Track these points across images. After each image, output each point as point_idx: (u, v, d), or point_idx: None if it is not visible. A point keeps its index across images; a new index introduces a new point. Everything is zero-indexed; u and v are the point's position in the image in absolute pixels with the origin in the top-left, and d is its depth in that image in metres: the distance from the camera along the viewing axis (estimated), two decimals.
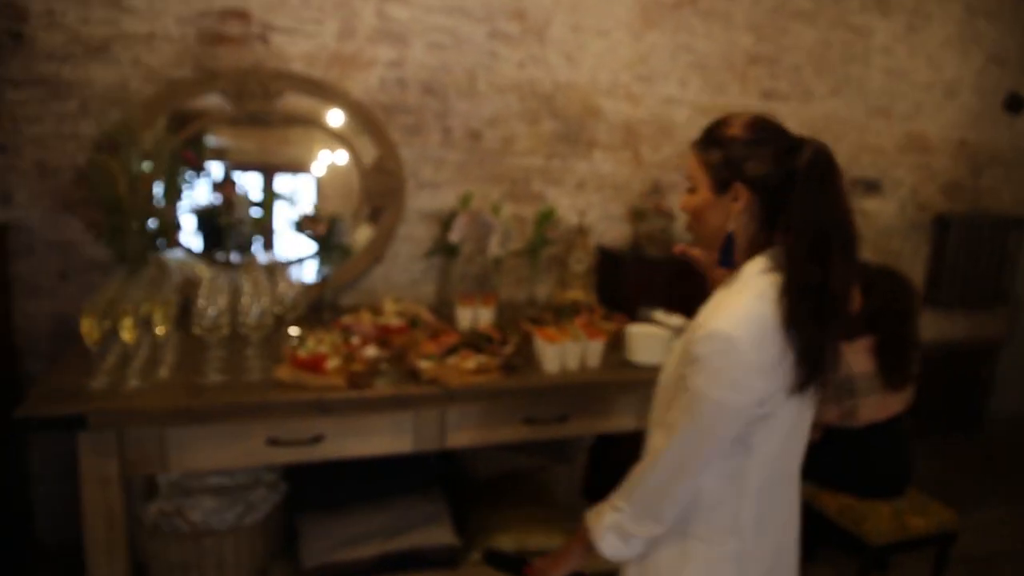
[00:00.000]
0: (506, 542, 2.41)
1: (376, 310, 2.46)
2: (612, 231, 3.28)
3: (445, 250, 2.81)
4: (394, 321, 2.36)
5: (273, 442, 1.89)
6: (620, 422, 2.36)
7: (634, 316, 2.71)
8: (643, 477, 1.31)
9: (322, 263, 2.53)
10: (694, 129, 3.47)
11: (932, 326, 4.28)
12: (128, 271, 2.15)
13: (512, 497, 2.60)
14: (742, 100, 3.44)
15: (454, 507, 2.50)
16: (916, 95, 3.93)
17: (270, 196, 2.46)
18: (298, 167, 2.71)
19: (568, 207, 3.16)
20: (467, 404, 2.06)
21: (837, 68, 3.65)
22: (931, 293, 4.25)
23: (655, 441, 1.31)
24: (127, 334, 1.79)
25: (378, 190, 2.73)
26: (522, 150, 3.03)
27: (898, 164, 4.00)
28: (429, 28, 2.78)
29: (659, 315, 2.70)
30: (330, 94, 2.61)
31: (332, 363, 1.93)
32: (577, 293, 2.99)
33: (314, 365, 1.91)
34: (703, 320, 1.25)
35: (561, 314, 2.60)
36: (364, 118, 2.66)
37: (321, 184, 2.74)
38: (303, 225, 2.46)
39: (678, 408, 1.25)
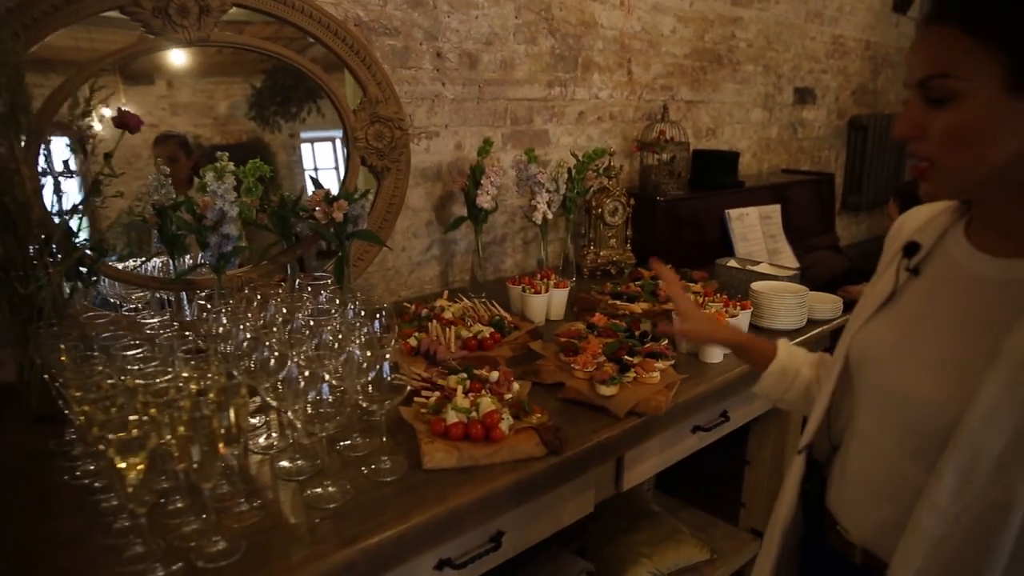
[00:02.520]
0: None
1: (433, 315, 1.72)
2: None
3: (473, 219, 2.09)
4: (482, 330, 1.65)
5: (443, 566, 1.16)
6: (765, 402, 1.91)
7: (711, 271, 2.25)
8: None
9: (340, 262, 1.70)
10: (678, 43, 3.04)
11: (853, 227, 4.36)
12: (56, 334, 1.20)
13: (620, 510, 2.07)
14: (716, 6, 3.03)
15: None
16: None
17: (252, 172, 1.58)
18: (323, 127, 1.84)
19: (569, 145, 2.56)
20: (657, 431, 1.47)
21: None
22: (849, 198, 4.29)
23: None
24: (136, 476, 0.90)
25: (375, 147, 1.92)
26: (522, 77, 2.35)
27: (826, 70, 3.90)
28: None
29: (737, 264, 2.26)
30: (294, 8, 1.72)
31: (505, 423, 1.23)
32: (613, 251, 2.44)
33: (487, 432, 1.20)
34: None
35: (644, 286, 2.05)
36: (346, 43, 1.82)
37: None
38: (310, 208, 1.61)
39: None
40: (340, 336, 1.18)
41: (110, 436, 0.84)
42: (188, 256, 1.74)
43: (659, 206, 2.55)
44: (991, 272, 0.84)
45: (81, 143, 1.22)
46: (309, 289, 1.47)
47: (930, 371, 0.84)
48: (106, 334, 1.19)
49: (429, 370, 1.48)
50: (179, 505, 1.05)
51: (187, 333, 1.19)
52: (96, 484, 1.11)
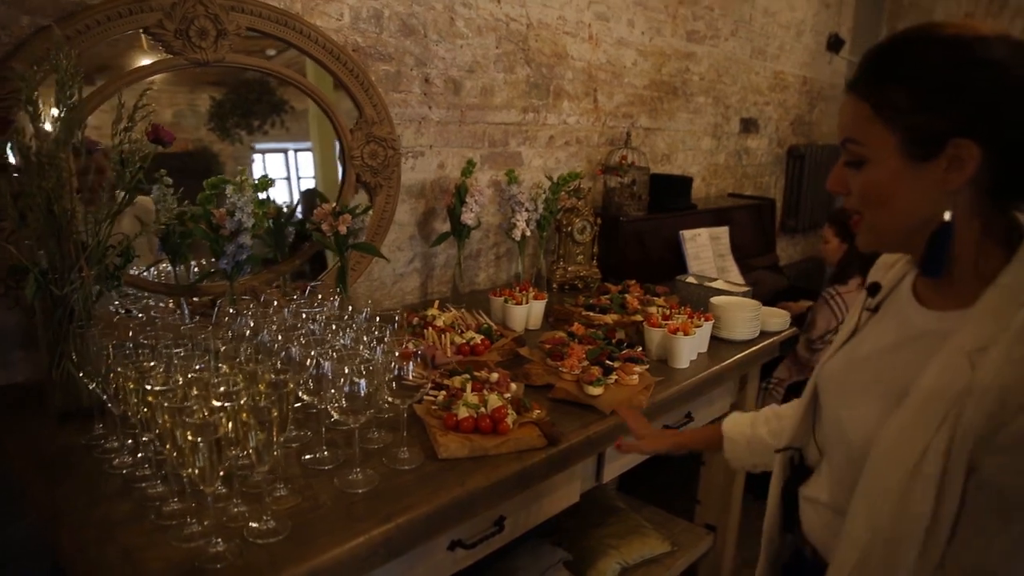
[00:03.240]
0: (611, 566, 2.05)
1: (426, 324, 1.85)
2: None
3: (457, 235, 2.23)
4: (474, 337, 1.79)
5: (456, 546, 1.30)
6: (722, 406, 2.12)
7: (671, 286, 2.45)
8: None
9: (343, 271, 1.82)
10: (638, 74, 3.26)
11: (790, 249, 4.67)
12: (97, 333, 1.29)
13: (590, 507, 2.24)
14: (673, 42, 3.27)
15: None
16: (780, 35, 4.13)
17: (262, 187, 1.68)
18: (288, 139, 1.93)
19: (540, 167, 2.74)
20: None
21: (735, 8, 3.65)
22: (787, 222, 4.61)
23: None
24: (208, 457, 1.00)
25: (369, 165, 2.05)
26: (500, 103, 2.52)
27: (769, 102, 4.20)
28: None
29: (695, 281, 2.47)
30: (303, 34, 1.84)
31: (510, 417, 1.38)
32: (581, 267, 2.62)
33: (495, 425, 1.34)
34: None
35: (613, 299, 2.23)
36: (346, 68, 1.94)
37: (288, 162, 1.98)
38: (316, 221, 1.73)
39: (990, 532, 0.78)
40: (365, 338, 1.31)
41: (188, 420, 0.95)
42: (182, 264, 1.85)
43: (622, 226, 2.75)
44: (919, 321, 0.90)
45: (121, 156, 1.31)
46: (320, 296, 1.58)
47: (859, 403, 0.92)
48: (142, 335, 1.28)
49: (431, 372, 1.61)
50: (223, 490, 1.15)
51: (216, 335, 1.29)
52: (138, 472, 1.20)
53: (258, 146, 1.97)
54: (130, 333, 1.28)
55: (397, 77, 2.16)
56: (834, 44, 4.64)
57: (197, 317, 1.59)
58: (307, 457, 1.29)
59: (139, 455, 1.23)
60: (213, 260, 1.92)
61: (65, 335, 1.34)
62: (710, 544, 2.33)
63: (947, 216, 0.82)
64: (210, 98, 1.86)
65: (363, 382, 1.16)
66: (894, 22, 5.27)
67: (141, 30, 1.60)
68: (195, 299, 1.73)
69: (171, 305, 1.77)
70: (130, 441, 1.27)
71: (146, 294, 1.72)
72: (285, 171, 2.10)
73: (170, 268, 1.83)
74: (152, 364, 1.16)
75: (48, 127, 1.27)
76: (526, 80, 2.59)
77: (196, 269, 1.90)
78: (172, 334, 1.27)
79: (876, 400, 0.89)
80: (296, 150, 2.09)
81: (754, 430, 1.28)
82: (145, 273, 1.76)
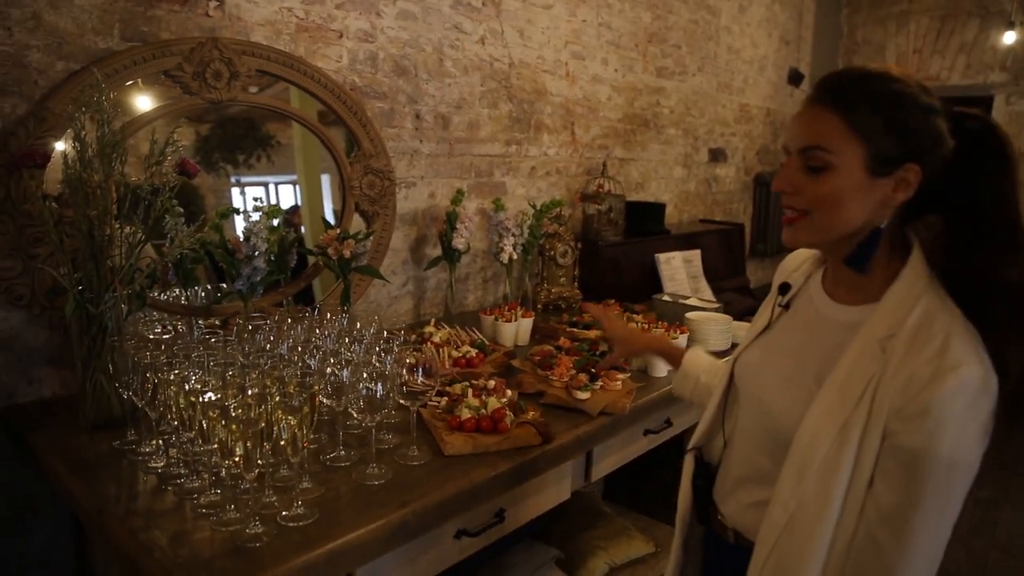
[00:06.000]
0: (600, 566, 2.18)
1: (424, 340, 2.00)
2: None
3: (448, 259, 2.38)
4: (470, 351, 1.94)
5: (461, 535, 1.43)
6: (697, 412, 2.27)
7: (649, 304, 2.62)
8: None
9: (347, 291, 1.96)
10: (612, 108, 3.47)
11: (759, 272, 4.89)
12: (132, 347, 1.42)
13: (578, 511, 2.37)
14: (644, 78, 3.49)
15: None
16: (744, 70, 4.39)
17: (276, 214, 1.83)
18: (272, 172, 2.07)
19: (523, 195, 2.91)
20: (619, 430, 1.79)
21: (701, 46, 3.90)
22: (756, 246, 4.84)
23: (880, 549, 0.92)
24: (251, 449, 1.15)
25: (367, 195, 2.20)
26: (485, 136, 2.70)
27: (735, 133, 4.45)
28: None
29: (669, 299, 2.65)
30: (307, 75, 2.00)
31: (508, 418, 1.52)
32: (563, 288, 2.78)
33: (495, 424, 1.49)
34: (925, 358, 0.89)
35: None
36: (346, 105, 2.11)
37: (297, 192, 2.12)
38: (323, 245, 1.88)
39: (901, 488, 0.90)
40: (377, 349, 1.45)
41: (233, 414, 1.09)
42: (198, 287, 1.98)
43: (600, 250, 2.92)
44: (830, 313, 1.05)
45: (153, 186, 1.45)
46: (329, 315, 1.72)
47: (778, 388, 1.05)
48: (175, 347, 1.41)
49: (432, 381, 1.76)
50: (255, 484, 1.27)
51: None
52: (173, 471, 1.33)
53: (238, 179, 2.05)
54: (162, 347, 1.41)
55: (391, 113, 2.33)
56: (794, 78, 4.93)
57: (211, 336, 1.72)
58: (327, 457, 1.42)
59: (172, 456, 1.35)
60: (221, 284, 2.07)
61: (99, 350, 1.47)
62: None
63: (883, 224, 0.97)
64: (195, 133, 1.96)
65: (379, 386, 1.30)
66: (849, 57, 5.59)
67: (162, 73, 1.75)
68: (213, 320, 1.86)
69: (180, 327, 1.90)
70: (162, 444, 1.39)
71: (155, 315, 1.85)
72: (266, 203, 2.20)
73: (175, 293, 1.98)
74: (188, 373, 1.29)
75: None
76: (509, 115, 2.78)
77: (202, 293, 2.03)
78: (203, 347, 1.40)
79: (801, 387, 1.01)
80: (276, 183, 2.21)
81: (706, 377, 1.45)
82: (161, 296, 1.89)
